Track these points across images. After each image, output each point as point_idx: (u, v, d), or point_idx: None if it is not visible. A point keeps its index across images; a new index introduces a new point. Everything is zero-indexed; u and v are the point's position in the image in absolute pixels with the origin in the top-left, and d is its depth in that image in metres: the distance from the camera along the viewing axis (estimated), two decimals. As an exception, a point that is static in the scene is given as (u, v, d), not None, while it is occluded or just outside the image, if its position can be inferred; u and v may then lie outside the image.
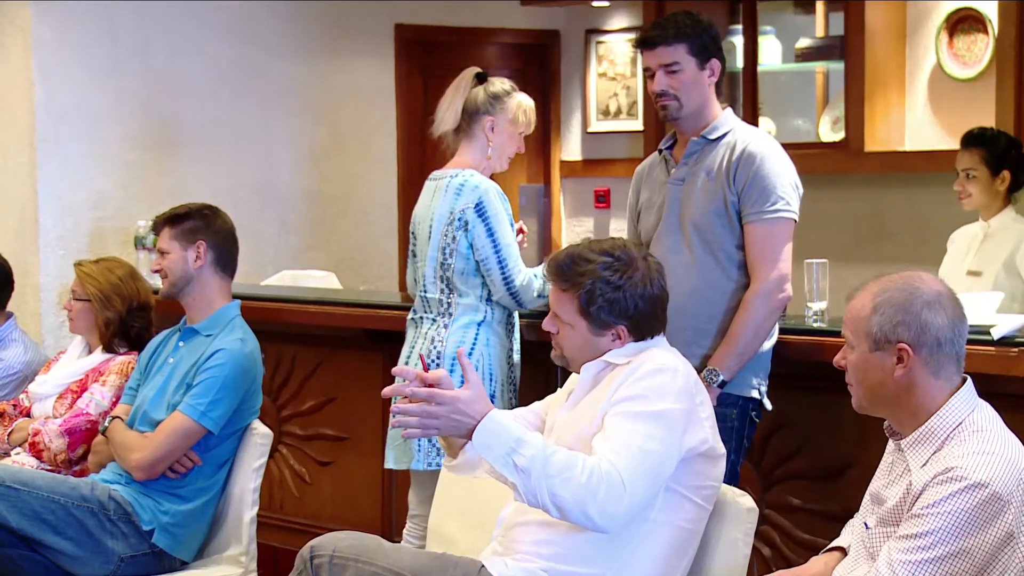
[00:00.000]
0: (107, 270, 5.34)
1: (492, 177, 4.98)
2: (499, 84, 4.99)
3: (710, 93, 4.53)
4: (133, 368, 5.07)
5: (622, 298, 3.69)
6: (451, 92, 4.99)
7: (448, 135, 5.01)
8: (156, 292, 5.18)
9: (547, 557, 3.60)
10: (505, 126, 4.96)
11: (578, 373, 3.80)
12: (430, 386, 3.49)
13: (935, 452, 3.17)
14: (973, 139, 5.74)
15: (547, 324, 3.83)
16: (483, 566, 3.64)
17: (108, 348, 5.30)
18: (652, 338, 3.76)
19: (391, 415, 3.55)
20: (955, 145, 6.89)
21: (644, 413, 3.53)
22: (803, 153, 5.93)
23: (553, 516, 3.44)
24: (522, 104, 4.99)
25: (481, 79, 4.98)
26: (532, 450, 3.41)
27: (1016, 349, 4.10)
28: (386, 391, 3.55)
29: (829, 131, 7.88)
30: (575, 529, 3.55)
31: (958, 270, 5.72)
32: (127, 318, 5.28)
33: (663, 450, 3.51)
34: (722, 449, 3.72)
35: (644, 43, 4.57)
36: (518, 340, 5.01)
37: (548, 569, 3.59)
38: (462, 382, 4.77)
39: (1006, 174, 5.63)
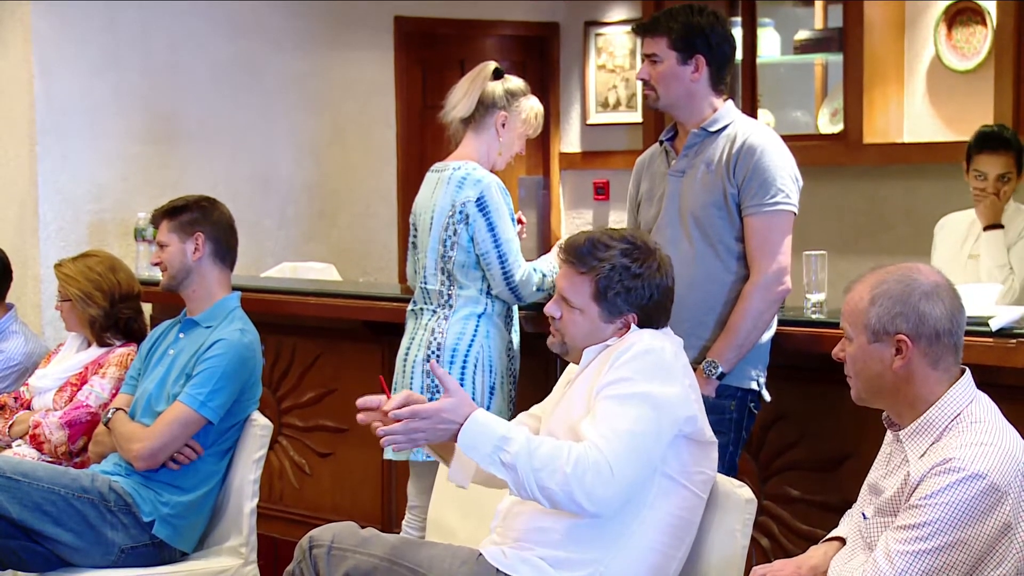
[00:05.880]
0: (86, 268, 5.31)
1: (492, 169, 4.99)
2: (515, 82, 5.02)
3: (697, 88, 4.53)
4: (132, 359, 5.08)
5: (640, 287, 3.69)
6: (468, 81, 5.00)
7: (455, 123, 5.02)
8: (156, 284, 5.18)
9: (544, 545, 3.61)
10: (516, 124, 4.98)
11: (575, 363, 3.79)
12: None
13: (933, 443, 3.18)
14: (1003, 141, 5.63)
15: (551, 308, 3.80)
16: (481, 555, 3.67)
17: (101, 343, 5.30)
18: (657, 330, 3.77)
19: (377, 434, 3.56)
20: (953, 137, 6.92)
21: (631, 395, 3.54)
22: (802, 145, 5.94)
23: (545, 506, 3.48)
24: (534, 107, 5.02)
25: (498, 75, 4.99)
26: (516, 445, 3.44)
27: (1014, 340, 4.10)
28: (361, 419, 3.59)
29: (828, 123, 7.91)
30: (571, 517, 3.57)
31: (958, 257, 5.70)
32: (112, 311, 5.26)
33: (651, 430, 3.52)
34: (712, 436, 3.73)
35: (636, 30, 4.68)
36: (518, 332, 5.02)
37: (545, 556, 3.60)
38: (463, 376, 4.80)
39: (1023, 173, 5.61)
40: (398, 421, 3.48)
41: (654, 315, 3.74)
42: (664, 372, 3.59)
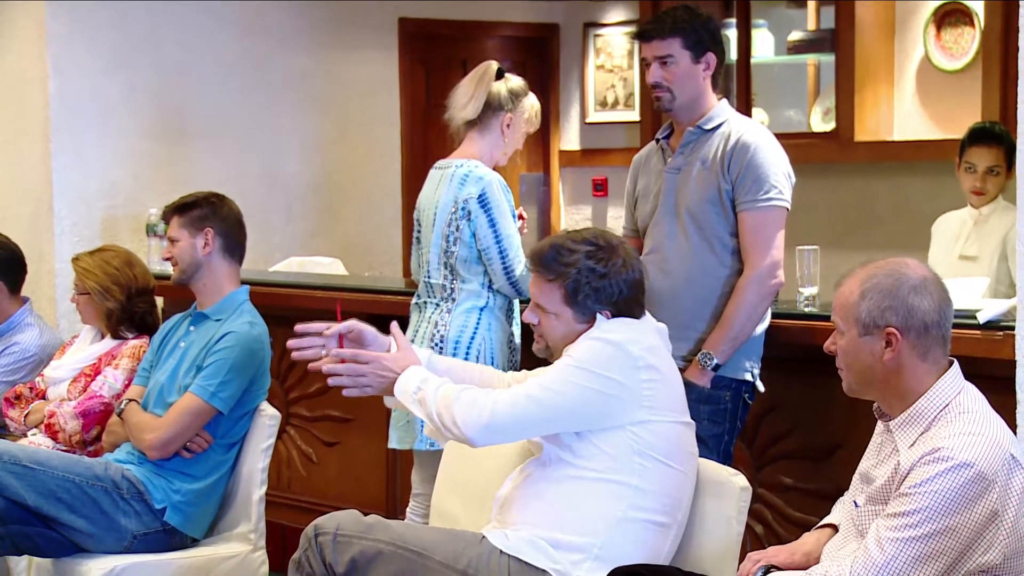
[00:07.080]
0: (103, 262, 5.34)
1: (495, 165, 5.02)
2: (516, 81, 5.04)
3: (705, 85, 4.58)
4: (145, 351, 5.12)
5: (608, 285, 3.76)
6: (472, 83, 5.00)
7: (458, 123, 5.05)
8: (167, 278, 5.23)
9: (542, 526, 3.69)
10: (520, 124, 5.02)
11: None
12: (341, 343, 3.81)
13: (922, 433, 3.22)
14: (993, 136, 5.67)
15: (528, 316, 3.89)
16: (484, 537, 3.74)
17: (116, 335, 5.34)
18: (632, 320, 3.83)
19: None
20: (942, 135, 6.96)
21: (559, 366, 3.69)
22: (795, 143, 5.95)
23: (445, 436, 3.69)
24: (534, 105, 5.06)
25: (499, 75, 5.01)
26: (433, 385, 3.68)
27: (1002, 333, 4.11)
28: (291, 343, 3.84)
29: (820, 121, 7.95)
30: (566, 500, 3.68)
31: (949, 256, 5.74)
32: (128, 305, 5.30)
33: (556, 399, 3.65)
34: (686, 419, 3.81)
35: (641, 35, 4.65)
36: (519, 325, 5.05)
37: (546, 538, 3.68)
38: (467, 358, 4.83)
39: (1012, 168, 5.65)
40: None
41: (626, 308, 3.80)
42: (604, 360, 3.68)
